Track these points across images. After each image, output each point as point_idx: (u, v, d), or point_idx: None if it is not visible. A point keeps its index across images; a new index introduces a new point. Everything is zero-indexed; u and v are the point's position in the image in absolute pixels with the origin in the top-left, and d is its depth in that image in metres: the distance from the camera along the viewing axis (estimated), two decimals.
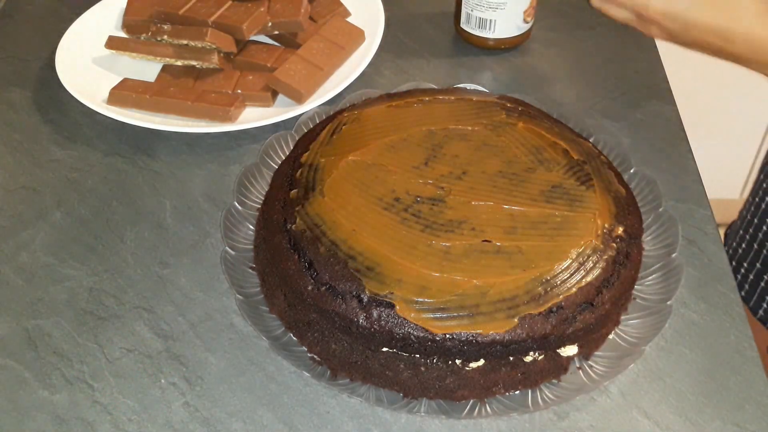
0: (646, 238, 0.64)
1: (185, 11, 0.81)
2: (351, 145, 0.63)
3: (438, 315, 0.53)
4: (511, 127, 0.65)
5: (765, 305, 0.85)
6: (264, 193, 0.67)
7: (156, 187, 0.73)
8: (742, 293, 0.88)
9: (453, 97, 0.68)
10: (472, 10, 0.83)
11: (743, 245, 0.88)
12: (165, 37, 0.80)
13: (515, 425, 0.56)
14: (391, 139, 0.63)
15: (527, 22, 0.84)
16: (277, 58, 0.81)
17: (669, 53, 0.86)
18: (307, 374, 0.56)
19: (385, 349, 0.56)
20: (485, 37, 0.85)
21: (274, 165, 0.70)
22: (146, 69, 0.83)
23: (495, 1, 0.81)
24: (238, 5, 0.81)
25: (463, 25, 0.85)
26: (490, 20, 0.83)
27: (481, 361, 0.55)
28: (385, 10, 0.87)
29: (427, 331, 0.53)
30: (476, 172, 0.61)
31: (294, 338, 0.60)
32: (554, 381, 0.58)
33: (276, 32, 0.83)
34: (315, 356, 0.58)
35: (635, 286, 0.61)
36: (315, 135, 0.66)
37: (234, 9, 0.81)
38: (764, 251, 0.84)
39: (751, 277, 0.86)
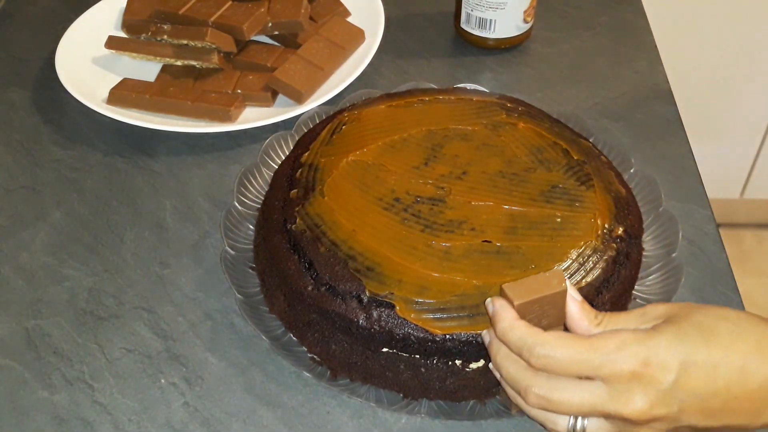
0: (646, 238, 0.64)
1: (185, 11, 0.81)
2: (351, 145, 0.63)
3: (438, 315, 0.53)
4: (511, 127, 0.65)
5: None
6: (264, 193, 0.67)
7: (156, 187, 0.73)
8: None
9: (453, 97, 0.68)
10: (472, 10, 0.83)
11: None
12: (165, 37, 0.80)
13: (515, 426, 0.56)
14: (391, 139, 0.63)
15: (527, 22, 0.84)
16: (277, 58, 0.81)
17: (669, 53, 0.86)
18: (307, 374, 0.56)
19: (385, 350, 0.56)
20: (485, 37, 0.85)
21: (274, 165, 0.70)
22: (146, 69, 0.83)
23: (495, 1, 0.81)
24: (238, 5, 0.81)
25: (463, 25, 0.85)
26: (490, 20, 0.83)
27: (481, 362, 0.55)
28: (385, 10, 0.87)
29: (427, 331, 0.53)
30: (476, 172, 0.61)
31: (294, 338, 0.60)
32: None
33: (276, 32, 0.83)
34: (315, 356, 0.58)
35: (635, 286, 0.61)
36: (315, 135, 0.66)
37: (234, 9, 0.81)
38: None
39: None
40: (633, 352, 0.44)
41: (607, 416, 0.46)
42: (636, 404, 0.44)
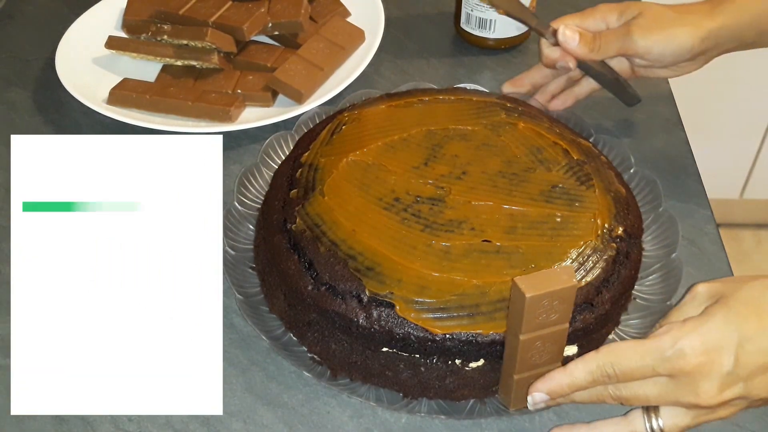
0: (646, 238, 0.64)
1: (185, 11, 0.81)
2: (351, 145, 0.63)
3: (438, 315, 0.53)
4: (511, 127, 0.65)
5: None
6: (264, 193, 0.67)
7: None
8: None
9: (453, 97, 0.68)
10: (472, 10, 0.83)
11: None
12: (165, 37, 0.80)
13: (515, 425, 0.56)
14: (391, 139, 0.63)
15: None
16: (277, 58, 0.81)
17: None
18: (307, 374, 0.56)
19: (385, 349, 0.56)
20: (485, 37, 0.85)
21: (274, 165, 0.70)
22: (146, 69, 0.83)
23: None
24: (238, 5, 0.81)
25: (463, 25, 0.85)
26: (490, 20, 0.83)
27: (481, 361, 0.55)
28: (385, 10, 0.87)
29: (427, 331, 0.53)
30: (476, 172, 0.61)
31: (294, 338, 0.60)
32: None
33: (276, 32, 0.83)
34: (315, 356, 0.58)
35: (635, 286, 0.61)
36: (315, 135, 0.66)
37: (234, 9, 0.81)
38: None
39: None
40: (688, 346, 0.46)
41: (680, 405, 0.48)
42: (705, 393, 0.46)
